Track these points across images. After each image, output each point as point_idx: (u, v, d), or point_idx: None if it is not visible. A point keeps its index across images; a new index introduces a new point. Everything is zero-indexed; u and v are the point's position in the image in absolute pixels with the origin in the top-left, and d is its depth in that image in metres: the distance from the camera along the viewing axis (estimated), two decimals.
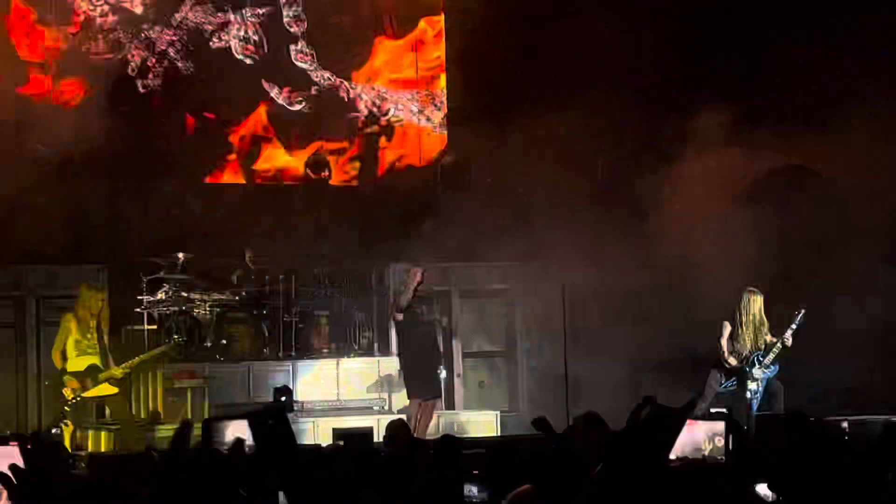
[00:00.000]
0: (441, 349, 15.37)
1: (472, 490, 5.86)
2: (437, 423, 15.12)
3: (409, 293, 14.55)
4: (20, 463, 3.53)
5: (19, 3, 17.62)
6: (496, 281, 17.75)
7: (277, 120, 18.75)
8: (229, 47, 18.52)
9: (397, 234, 17.33)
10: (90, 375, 13.90)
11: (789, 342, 14.66)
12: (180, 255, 15.84)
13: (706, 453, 3.81)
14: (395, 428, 11.02)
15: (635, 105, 16.72)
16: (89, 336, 13.96)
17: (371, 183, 18.95)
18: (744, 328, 14.78)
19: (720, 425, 3.84)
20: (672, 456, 2.75)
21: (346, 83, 19.06)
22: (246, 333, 16.15)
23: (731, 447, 3.69)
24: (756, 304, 14.82)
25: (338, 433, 12.76)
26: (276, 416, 3.40)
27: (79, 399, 13.82)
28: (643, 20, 17.19)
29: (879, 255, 16.48)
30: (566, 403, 15.24)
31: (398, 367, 15.14)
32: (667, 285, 16.56)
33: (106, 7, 17.89)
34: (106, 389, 13.99)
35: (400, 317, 14.68)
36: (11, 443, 4.02)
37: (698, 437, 4.05)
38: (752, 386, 14.62)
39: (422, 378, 14.60)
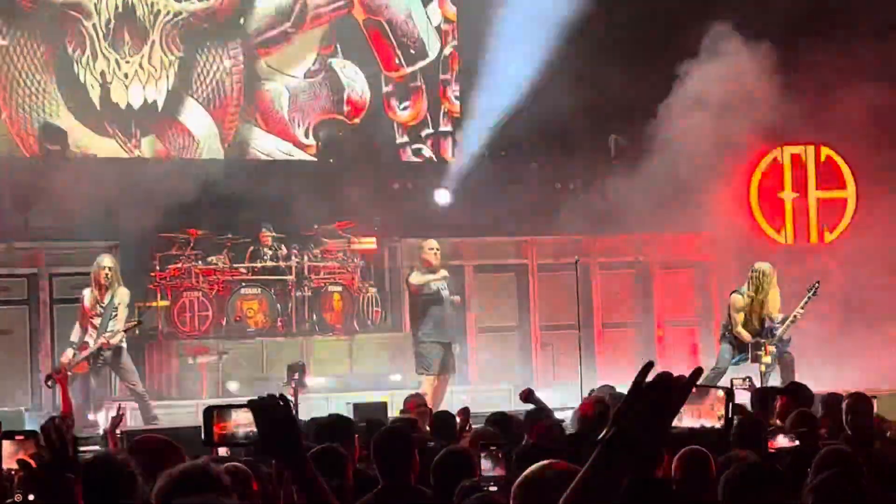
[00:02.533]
0: (454, 324, 15.33)
1: (486, 465, 5.84)
2: (451, 398, 15.11)
3: (425, 266, 14.55)
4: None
5: None
6: (511, 255, 17.73)
7: None
8: None
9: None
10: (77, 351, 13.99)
11: (801, 316, 14.79)
12: (192, 231, 15.87)
13: (709, 423, 3.84)
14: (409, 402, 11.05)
15: None
16: (99, 310, 13.99)
17: None
18: (757, 303, 14.84)
19: (722, 394, 3.88)
20: (675, 423, 2.73)
21: None
22: (259, 309, 16.13)
23: (729, 416, 3.72)
24: (771, 279, 14.89)
25: (353, 407, 12.80)
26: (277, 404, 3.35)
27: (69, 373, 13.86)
28: None
29: None
30: (580, 379, 15.22)
31: (411, 342, 15.13)
32: None
33: None
34: (80, 368, 13.99)
35: (415, 288, 14.65)
36: (18, 437, 4.01)
37: (703, 405, 4.09)
38: (766, 360, 14.72)
39: (434, 353, 14.59)
